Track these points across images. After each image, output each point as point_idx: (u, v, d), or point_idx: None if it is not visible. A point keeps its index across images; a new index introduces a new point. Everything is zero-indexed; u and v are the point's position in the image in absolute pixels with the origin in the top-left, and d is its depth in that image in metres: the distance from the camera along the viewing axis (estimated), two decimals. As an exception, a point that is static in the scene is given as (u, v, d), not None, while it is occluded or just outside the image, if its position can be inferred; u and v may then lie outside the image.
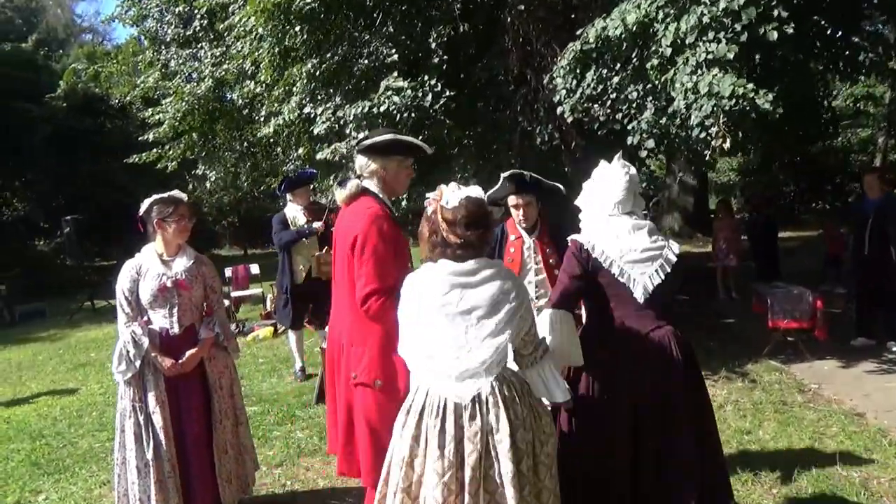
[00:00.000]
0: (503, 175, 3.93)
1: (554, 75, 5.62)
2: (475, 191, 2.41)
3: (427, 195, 2.43)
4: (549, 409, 2.60)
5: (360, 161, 3.06)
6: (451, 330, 2.29)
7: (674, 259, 2.83)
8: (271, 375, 6.90)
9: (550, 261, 4.01)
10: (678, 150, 5.46)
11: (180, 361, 3.39)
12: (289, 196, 6.44)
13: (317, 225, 6.21)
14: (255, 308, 11.23)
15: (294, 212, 6.37)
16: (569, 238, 2.96)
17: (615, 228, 2.85)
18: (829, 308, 6.74)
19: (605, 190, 2.91)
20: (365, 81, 6.62)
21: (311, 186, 7.02)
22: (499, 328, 2.27)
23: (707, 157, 5.28)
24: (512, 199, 3.98)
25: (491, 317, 2.27)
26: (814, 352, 6.39)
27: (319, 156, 6.98)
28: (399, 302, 2.47)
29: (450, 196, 2.38)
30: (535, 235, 4.07)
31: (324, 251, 6.06)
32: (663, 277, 2.78)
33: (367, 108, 5.94)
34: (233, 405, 3.61)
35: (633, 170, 2.95)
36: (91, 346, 9.67)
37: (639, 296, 2.79)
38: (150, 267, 3.41)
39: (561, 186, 4.01)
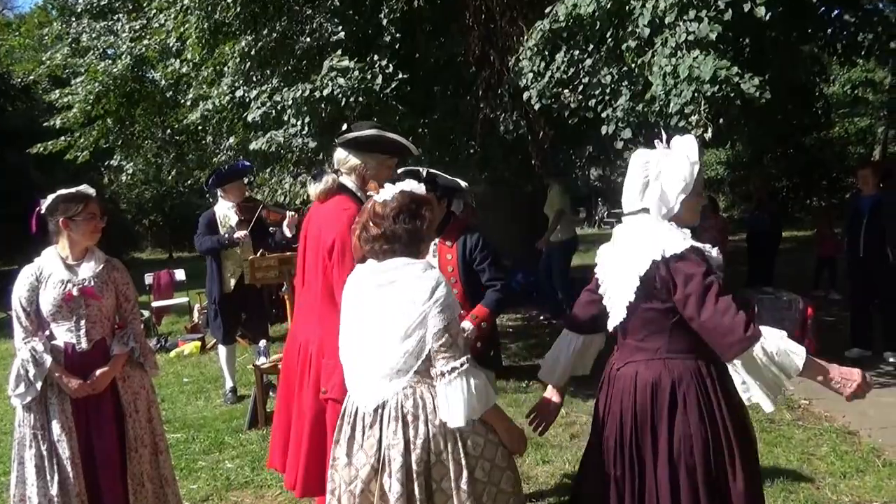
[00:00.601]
0: (398, 171, 4.01)
1: (520, 57, 5.67)
2: (411, 184, 2.48)
3: (369, 192, 2.48)
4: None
5: (339, 155, 3.20)
6: (378, 329, 2.38)
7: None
8: (197, 397, 6.83)
9: (449, 268, 4.08)
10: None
11: (89, 381, 3.32)
12: (219, 192, 6.38)
13: (240, 234, 6.12)
14: (179, 320, 11.09)
15: (225, 209, 6.30)
16: None
17: (633, 230, 2.56)
18: (821, 316, 6.92)
19: (626, 182, 2.62)
20: (306, 61, 6.60)
21: (246, 181, 6.96)
22: (408, 332, 2.31)
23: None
24: None
25: (402, 319, 2.32)
26: (805, 364, 6.55)
27: (254, 145, 6.94)
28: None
29: (385, 191, 2.46)
30: (440, 236, 4.11)
31: (258, 255, 5.99)
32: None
33: (307, 92, 5.91)
34: (151, 431, 3.55)
35: (648, 151, 2.61)
36: (-14, 366, 9.42)
37: (610, 323, 2.56)
38: (52, 272, 3.33)
39: (463, 182, 4.12)
